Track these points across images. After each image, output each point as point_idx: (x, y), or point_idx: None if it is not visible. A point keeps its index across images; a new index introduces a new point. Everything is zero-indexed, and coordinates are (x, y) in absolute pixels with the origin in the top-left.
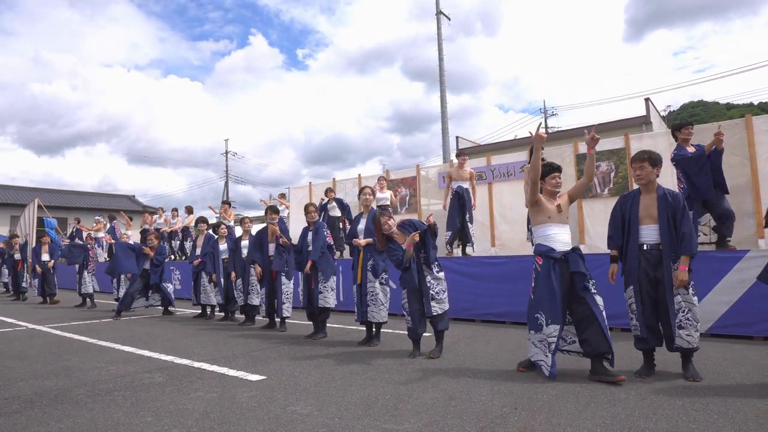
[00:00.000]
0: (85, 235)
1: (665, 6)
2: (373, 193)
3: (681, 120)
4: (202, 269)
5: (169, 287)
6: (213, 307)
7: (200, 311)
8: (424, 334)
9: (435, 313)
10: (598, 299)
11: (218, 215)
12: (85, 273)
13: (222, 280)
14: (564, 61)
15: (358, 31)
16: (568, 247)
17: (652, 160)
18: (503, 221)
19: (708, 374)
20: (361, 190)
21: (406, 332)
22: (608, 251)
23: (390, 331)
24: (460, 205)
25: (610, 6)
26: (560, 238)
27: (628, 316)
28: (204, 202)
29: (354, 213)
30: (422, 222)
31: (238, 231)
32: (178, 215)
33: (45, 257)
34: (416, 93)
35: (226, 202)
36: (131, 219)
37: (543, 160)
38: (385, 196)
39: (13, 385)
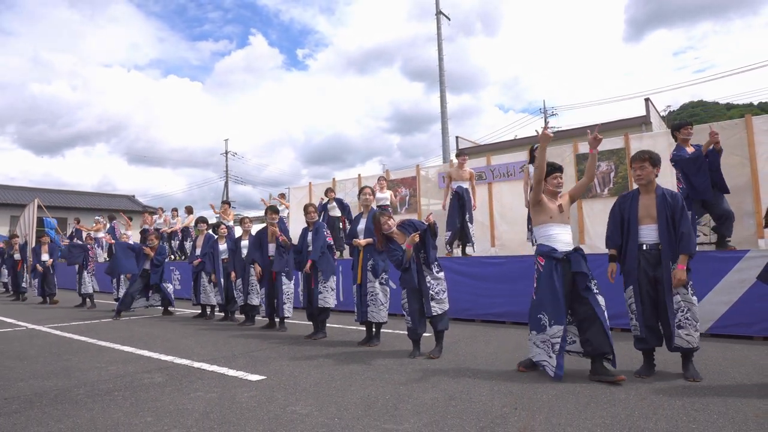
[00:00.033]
0: (84, 235)
1: (665, 6)
2: (373, 193)
3: (681, 120)
4: (201, 269)
5: (169, 287)
6: (213, 307)
7: (200, 311)
8: (424, 334)
9: (435, 314)
10: (600, 299)
11: (218, 215)
12: (85, 273)
13: (222, 280)
14: (564, 61)
15: (358, 31)
16: (570, 247)
17: (652, 160)
18: (503, 221)
19: (708, 374)
20: (361, 190)
21: (406, 332)
22: (606, 251)
23: (390, 331)
24: (460, 205)
25: (609, 6)
26: (562, 238)
27: (628, 316)
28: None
29: (354, 213)
30: (422, 222)
31: (238, 231)
32: (177, 215)
33: (45, 257)
34: (416, 93)
35: (226, 202)
36: (131, 219)
37: None
38: (385, 196)
39: (12, 385)
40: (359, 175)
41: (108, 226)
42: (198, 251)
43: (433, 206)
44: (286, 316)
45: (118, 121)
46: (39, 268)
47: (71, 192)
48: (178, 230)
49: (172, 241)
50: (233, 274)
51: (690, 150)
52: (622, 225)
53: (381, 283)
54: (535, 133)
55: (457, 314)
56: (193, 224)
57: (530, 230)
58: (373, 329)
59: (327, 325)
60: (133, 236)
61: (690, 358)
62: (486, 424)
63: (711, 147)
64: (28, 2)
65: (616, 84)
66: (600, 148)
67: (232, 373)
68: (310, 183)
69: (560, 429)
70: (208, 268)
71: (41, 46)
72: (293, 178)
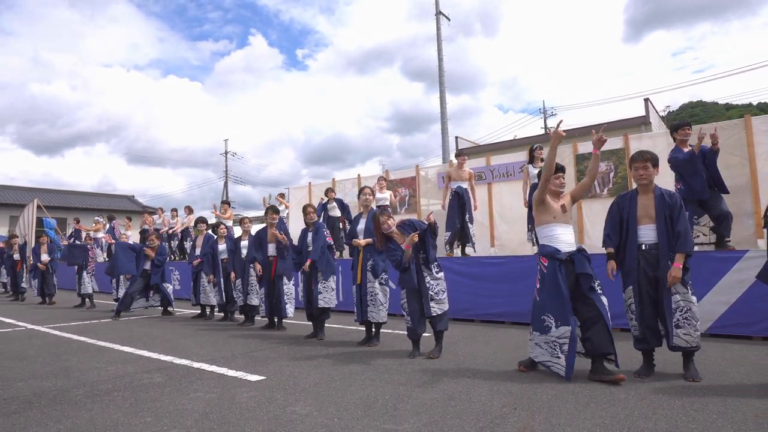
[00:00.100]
0: (84, 235)
1: (664, 7)
2: (373, 194)
3: (679, 120)
4: (201, 269)
5: (169, 287)
6: (212, 307)
7: (200, 311)
8: (424, 334)
9: (434, 314)
10: (604, 300)
11: (218, 216)
12: (85, 273)
13: (221, 280)
14: (563, 62)
15: (358, 31)
16: (573, 248)
17: (653, 160)
18: (502, 221)
19: (707, 374)
20: (361, 190)
21: (406, 332)
22: (605, 250)
23: (389, 331)
24: (460, 206)
25: (609, 7)
26: (565, 238)
27: (627, 316)
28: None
29: (353, 213)
30: (422, 222)
31: (237, 231)
32: (177, 215)
33: (44, 257)
34: (416, 93)
35: (226, 202)
36: (130, 219)
37: (542, 160)
38: (385, 196)
39: (11, 386)
40: (359, 175)
41: (108, 226)
42: (197, 251)
43: (433, 206)
44: (289, 315)
45: (118, 121)
46: (40, 266)
47: (71, 192)
48: (178, 231)
49: (171, 242)
50: (233, 275)
51: (687, 150)
52: (620, 225)
53: (381, 284)
54: (547, 132)
55: (457, 314)
56: (192, 224)
57: (530, 230)
58: (373, 329)
59: (326, 325)
60: (133, 236)
61: (691, 358)
62: (485, 424)
63: (709, 147)
64: (28, 2)
65: (616, 84)
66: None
67: (231, 373)
68: (309, 183)
69: (560, 429)
70: (207, 268)
71: (41, 46)
72: (293, 178)
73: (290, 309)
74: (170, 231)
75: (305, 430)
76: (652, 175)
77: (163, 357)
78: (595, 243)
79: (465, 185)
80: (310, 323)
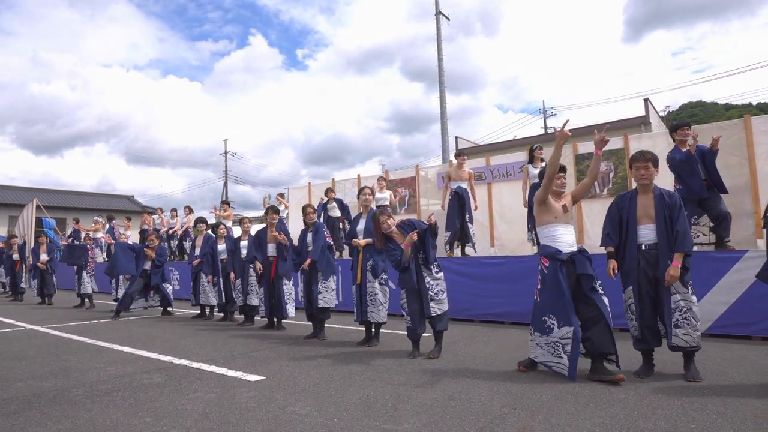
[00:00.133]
0: (83, 235)
1: (664, 6)
2: (373, 194)
3: (679, 121)
4: (201, 269)
5: (168, 288)
6: (212, 307)
7: (199, 312)
8: (424, 334)
9: (434, 314)
10: (605, 300)
11: (218, 216)
12: (84, 273)
13: (221, 280)
14: (563, 62)
15: (358, 31)
16: (574, 248)
17: (654, 160)
18: (502, 221)
19: (707, 374)
20: (361, 190)
21: (406, 332)
22: (605, 249)
23: (389, 331)
24: (460, 206)
25: (608, 6)
26: (566, 239)
27: (626, 316)
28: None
29: (353, 213)
30: (422, 222)
31: (237, 231)
32: (177, 215)
33: (43, 257)
34: (416, 93)
35: (225, 203)
36: (129, 219)
37: (542, 160)
38: (385, 196)
39: (11, 386)
40: (359, 175)
41: (107, 226)
42: (197, 251)
43: (433, 206)
44: (290, 316)
45: (118, 121)
46: (40, 265)
47: (70, 192)
48: (178, 231)
49: (171, 242)
50: (232, 275)
51: (684, 151)
52: (620, 225)
53: (380, 284)
54: (554, 130)
55: (457, 314)
56: (192, 224)
57: (530, 230)
58: (373, 329)
59: (326, 325)
60: (132, 236)
61: (691, 359)
62: (485, 424)
63: (708, 147)
64: (28, 2)
65: (615, 84)
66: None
67: (231, 373)
68: (309, 183)
69: (559, 429)
70: (206, 268)
71: (41, 46)
72: (293, 179)
73: (291, 309)
74: (171, 231)
75: (305, 430)
76: (653, 175)
77: (162, 357)
78: (594, 243)
79: (465, 185)
80: (310, 323)
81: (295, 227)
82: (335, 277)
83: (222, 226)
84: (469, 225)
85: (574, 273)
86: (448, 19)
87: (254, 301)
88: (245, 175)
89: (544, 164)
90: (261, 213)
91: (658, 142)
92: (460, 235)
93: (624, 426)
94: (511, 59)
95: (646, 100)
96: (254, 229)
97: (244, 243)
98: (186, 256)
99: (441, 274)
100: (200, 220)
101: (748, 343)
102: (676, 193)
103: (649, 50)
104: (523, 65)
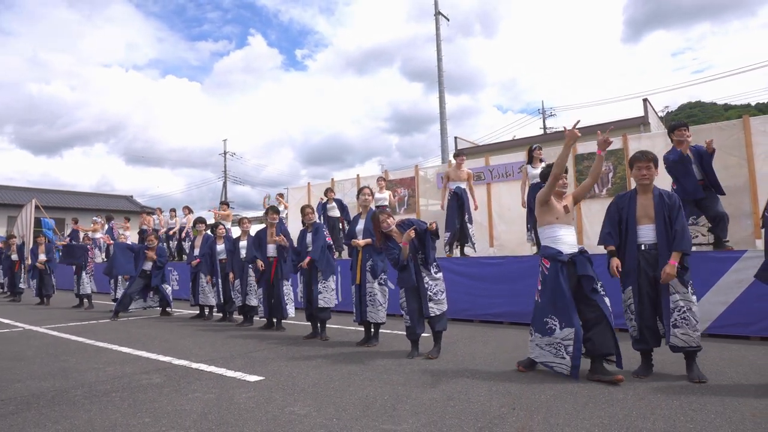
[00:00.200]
0: (81, 236)
1: (663, 7)
2: (372, 194)
3: (677, 121)
4: (200, 270)
5: (168, 288)
6: (211, 307)
7: (198, 312)
8: (423, 334)
9: (433, 314)
10: (607, 300)
11: (218, 217)
12: (84, 274)
13: (219, 280)
14: (562, 62)
15: (357, 31)
16: (575, 249)
17: (655, 161)
18: (501, 221)
19: (705, 374)
20: (360, 191)
21: (405, 332)
22: (605, 248)
23: (388, 331)
24: (459, 206)
25: (607, 7)
26: (567, 239)
27: (625, 316)
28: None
29: (352, 214)
30: (422, 221)
31: (236, 231)
32: (176, 216)
33: (42, 258)
34: (415, 93)
35: (225, 203)
36: (128, 220)
37: (541, 160)
38: (384, 196)
39: (9, 387)
40: (358, 175)
41: (106, 227)
42: (196, 252)
43: (432, 207)
44: (290, 316)
45: (117, 121)
46: (39, 265)
47: (69, 192)
48: (177, 231)
49: (170, 242)
50: (231, 275)
51: (686, 151)
52: (619, 225)
53: (380, 284)
54: (563, 129)
55: (456, 314)
56: (191, 225)
57: (529, 230)
58: (372, 329)
59: (325, 325)
60: (131, 237)
61: (693, 359)
62: (484, 424)
63: (704, 148)
64: (27, 2)
65: (615, 84)
66: (596, 149)
67: (230, 373)
68: (308, 183)
69: (558, 429)
70: (205, 269)
71: (40, 46)
72: (292, 179)
73: (291, 309)
74: (171, 232)
75: (304, 431)
76: (654, 175)
77: (161, 357)
78: (594, 243)
79: (464, 185)
80: (309, 324)
81: (295, 227)
82: (335, 277)
83: (221, 227)
84: (468, 225)
85: (575, 274)
86: (448, 20)
87: (253, 301)
88: (244, 175)
89: (543, 164)
90: (260, 213)
91: (657, 143)
92: (460, 235)
93: (623, 426)
94: (510, 60)
95: (645, 101)
96: (253, 229)
97: (243, 243)
98: (185, 257)
99: (440, 275)
100: (199, 221)
101: (747, 343)
102: (675, 193)
103: (649, 51)
104: (522, 66)
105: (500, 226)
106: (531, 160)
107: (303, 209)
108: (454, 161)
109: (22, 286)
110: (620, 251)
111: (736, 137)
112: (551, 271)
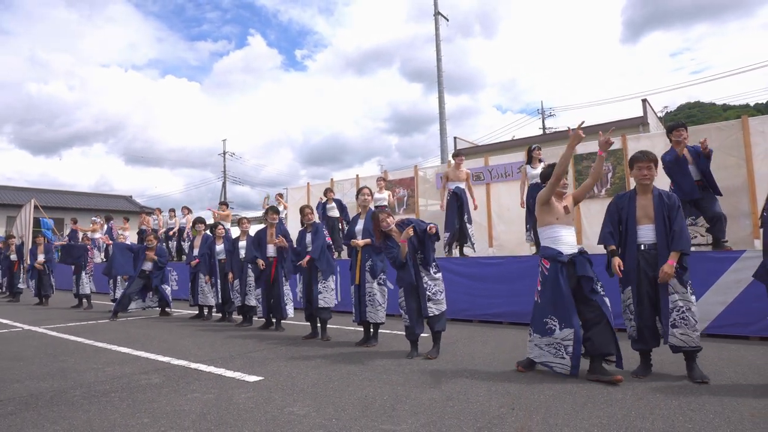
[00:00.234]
0: (80, 236)
1: (662, 8)
2: (371, 194)
3: (674, 122)
4: (199, 270)
5: (167, 288)
6: (210, 307)
7: (197, 312)
8: (422, 334)
9: (431, 314)
10: (607, 300)
11: (218, 216)
12: (84, 274)
13: (218, 281)
14: (562, 63)
15: (357, 32)
16: (575, 249)
17: (656, 161)
18: (500, 221)
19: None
20: (360, 191)
21: (404, 332)
22: (605, 252)
23: (388, 331)
24: (458, 206)
25: (606, 8)
26: (567, 240)
27: (624, 316)
28: (201, 202)
29: (351, 214)
30: (422, 221)
31: (236, 231)
32: (175, 216)
33: (41, 258)
34: (414, 94)
35: (224, 203)
36: (127, 220)
37: (541, 161)
38: (383, 196)
39: (8, 387)
40: (357, 175)
41: (105, 227)
42: (195, 252)
43: (431, 207)
44: (289, 317)
45: (116, 121)
46: (38, 265)
47: (68, 192)
48: (176, 232)
49: (169, 242)
50: (230, 275)
51: (684, 152)
52: (619, 225)
53: (379, 284)
54: (568, 129)
55: (455, 315)
56: (191, 225)
57: (528, 230)
58: (371, 330)
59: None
60: (130, 237)
61: (693, 359)
62: (483, 424)
63: (700, 149)
64: (26, 2)
65: (614, 85)
66: (596, 148)
67: (229, 374)
68: (308, 183)
69: (557, 429)
70: (204, 269)
71: (39, 46)
72: (291, 179)
73: (290, 310)
74: (171, 232)
75: (303, 431)
76: (654, 175)
77: (160, 358)
78: (593, 243)
79: (463, 185)
80: (309, 324)
81: (294, 228)
82: (334, 277)
83: (220, 227)
84: (467, 225)
85: (574, 274)
86: (447, 20)
87: (252, 301)
88: (244, 175)
89: (542, 165)
90: (259, 213)
91: (657, 143)
92: (459, 235)
93: (622, 426)
94: (509, 60)
95: (644, 101)
96: (253, 229)
97: (242, 243)
98: (184, 257)
99: (439, 275)
100: (198, 221)
101: (746, 343)
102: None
103: (647, 51)
104: (521, 66)
105: (499, 226)
106: (530, 160)
107: (302, 209)
108: (453, 161)
109: (21, 286)
110: (620, 251)
111: (735, 137)
112: (551, 272)
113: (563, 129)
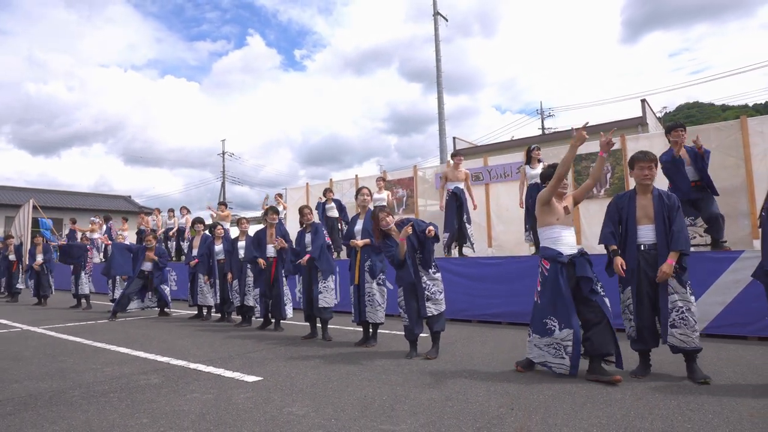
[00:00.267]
0: (79, 236)
1: (661, 8)
2: (370, 194)
3: (675, 121)
4: (198, 270)
5: (166, 289)
6: (209, 308)
7: (197, 312)
8: (421, 334)
9: (430, 314)
10: (606, 300)
11: (214, 217)
12: (83, 274)
13: (217, 281)
14: (561, 63)
15: (356, 32)
16: (574, 250)
17: (656, 161)
18: (499, 222)
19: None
20: (359, 191)
21: (403, 332)
22: (605, 252)
23: (387, 331)
24: (458, 206)
25: (606, 8)
26: (567, 240)
27: (623, 317)
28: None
29: (350, 214)
30: (421, 221)
31: (235, 232)
32: (174, 216)
33: (40, 258)
34: (413, 94)
35: (223, 203)
36: (126, 220)
37: (540, 161)
38: (382, 197)
39: (7, 387)
40: (356, 175)
41: (104, 227)
42: (194, 252)
43: (431, 207)
44: (289, 317)
45: (115, 121)
46: (35, 266)
47: (67, 192)
48: (175, 232)
49: (168, 242)
50: (229, 275)
51: (682, 152)
52: (619, 225)
53: (378, 284)
54: (572, 129)
55: (454, 315)
56: (189, 225)
57: (527, 230)
58: (370, 330)
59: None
60: (129, 237)
61: (693, 360)
62: (482, 424)
63: (695, 149)
64: (25, 2)
65: (613, 85)
66: (596, 149)
67: (228, 374)
68: (307, 183)
69: (556, 429)
70: (203, 269)
71: (38, 46)
72: (290, 179)
73: (289, 310)
74: (171, 233)
75: (302, 431)
76: (655, 175)
77: (159, 358)
78: (592, 243)
79: (462, 186)
80: (308, 324)
81: (293, 228)
82: (334, 276)
83: (219, 227)
84: (467, 225)
85: (574, 275)
86: (446, 20)
87: (251, 301)
88: (243, 175)
89: (541, 165)
90: (258, 213)
91: (655, 143)
92: (458, 235)
93: (621, 426)
94: (509, 60)
95: (644, 101)
96: (252, 229)
97: (241, 243)
98: (183, 257)
99: (438, 275)
100: (198, 221)
101: (744, 343)
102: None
103: (647, 51)
104: (521, 66)
105: (498, 226)
106: (529, 160)
107: (301, 210)
108: (452, 161)
109: (20, 286)
110: (620, 252)
111: (734, 138)
112: (551, 272)
113: (562, 129)
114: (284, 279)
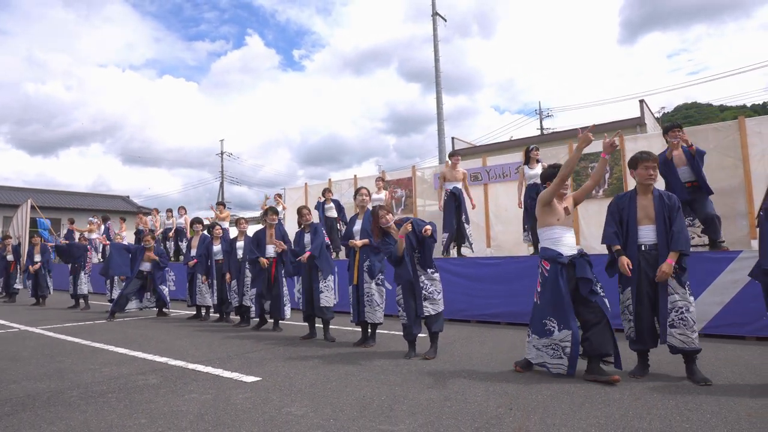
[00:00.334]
0: (77, 236)
1: (659, 8)
2: (369, 194)
3: (671, 122)
4: (197, 270)
5: (165, 289)
6: (208, 308)
7: (195, 312)
8: (420, 334)
9: (428, 314)
10: (606, 301)
11: (214, 217)
12: (82, 274)
13: (216, 281)
14: (559, 63)
15: (354, 32)
16: (574, 251)
17: (658, 161)
18: (498, 222)
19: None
20: (358, 191)
21: (402, 333)
22: (605, 252)
23: (385, 332)
24: (456, 206)
25: (604, 8)
26: (567, 241)
27: (622, 317)
28: (199, 203)
29: (349, 215)
30: (421, 220)
31: (234, 232)
32: (172, 216)
33: (38, 258)
34: (412, 94)
35: (221, 203)
36: (124, 220)
37: (538, 161)
38: (381, 197)
39: (5, 388)
40: (355, 176)
41: (102, 227)
42: (193, 252)
43: (429, 207)
44: (287, 317)
45: (114, 121)
46: (31, 269)
47: (65, 192)
48: (173, 232)
49: (166, 242)
50: (228, 276)
51: (678, 153)
52: (620, 225)
53: (377, 284)
54: (578, 130)
55: (453, 315)
56: (188, 225)
57: (526, 230)
58: (369, 330)
59: (320, 326)
60: (128, 237)
61: (693, 361)
62: (481, 424)
63: (687, 149)
64: (24, 2)
65: (611, 85)
66: (595, 149)
67: (227, 374)
68: (306, 184)
69: (555, 429)
70: (201, 269)
71: (36, 46)
72: (289, 179)
73: (287, 310)
74: (170, 234)
75: (301, 431)
76: (657, 176)
77: (158, 358)
78: (591, 244)
79: (460, 186)
80: (306, 324)
81: (292, 228)
82: (333, 276)
83: (218, 227)
84: (465, 225)
85: (574, 276)
86: (445, 20)
87: (249, 302)
88: (242, 175)
89: (540, 165)
90: (257, 213)
91: (654, 143)
92: (457, 235)
93: (619, 426)
94: (507, 60)
95: (642, 102)
96: (250, 229)
97: (240, 244)
98: (182, 257)
99: (437, 275)
100: (196, 221)
101: (742, 343)
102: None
103: (645, 52)
104: (519, 66)
105: (497, 226)
106: (528, 160)
107: (300, 210)
108: (449, 161)
109: (18, 286)
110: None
111: (732, 138)
112: (551, 273)
113: (561, 129)
114: (284, 279)
